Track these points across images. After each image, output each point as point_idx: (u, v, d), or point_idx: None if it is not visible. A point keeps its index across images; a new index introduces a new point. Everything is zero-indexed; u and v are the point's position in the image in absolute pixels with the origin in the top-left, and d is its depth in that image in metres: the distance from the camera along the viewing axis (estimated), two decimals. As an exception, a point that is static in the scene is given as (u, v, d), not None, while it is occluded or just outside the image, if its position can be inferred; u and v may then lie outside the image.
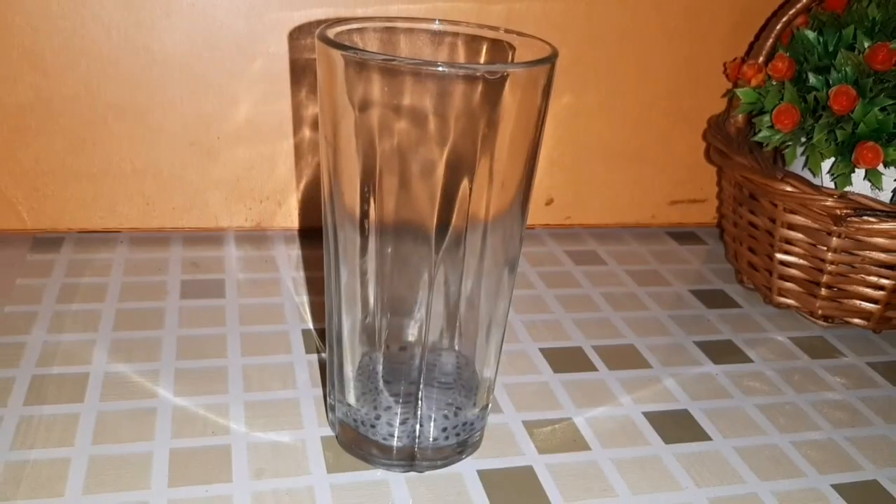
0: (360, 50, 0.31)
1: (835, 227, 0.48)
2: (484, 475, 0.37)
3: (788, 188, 0.48)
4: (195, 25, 0.51)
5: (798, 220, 0.49)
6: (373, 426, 0.36)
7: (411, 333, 0.35)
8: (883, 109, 0.45)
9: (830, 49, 0.49)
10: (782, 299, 0.53)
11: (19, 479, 0.34)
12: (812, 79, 0.48)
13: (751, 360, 0.48)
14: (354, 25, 0.35)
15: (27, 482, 0.34)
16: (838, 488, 0.38)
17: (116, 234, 0.55)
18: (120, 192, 0.54)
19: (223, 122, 0.54)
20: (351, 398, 0.36)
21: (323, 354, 0.44)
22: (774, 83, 0.50)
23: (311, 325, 0.47)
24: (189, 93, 0.52)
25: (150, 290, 0.49)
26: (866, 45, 0.47)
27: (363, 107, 0.31)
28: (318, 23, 0.52)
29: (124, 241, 0.55)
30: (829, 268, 0.49)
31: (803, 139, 0.48)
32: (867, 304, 0.50)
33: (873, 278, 0.49)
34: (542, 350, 0.47)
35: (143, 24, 0.50)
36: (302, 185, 0.56)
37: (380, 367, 0.36)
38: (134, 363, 0.42)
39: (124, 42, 0.50)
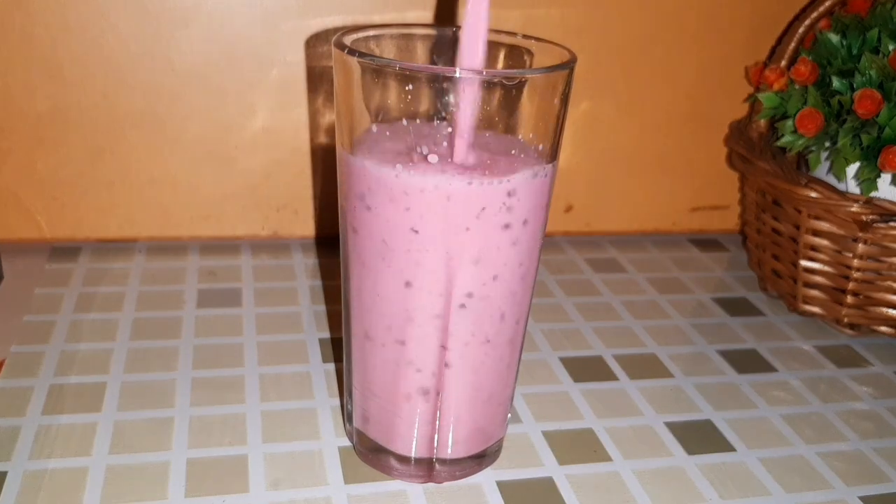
0: (376, 57, 0.31)
1: (861, 234, 0.47)
2: (503, 486, 0.36)
3: (813, 194, 0.47)
4: (212, 35, 0.51)
5: (823, 226, 0.48)
6: (391, 436, 0.35)
7: (429, 343, 0.34)
8: (909, 113, 0.45)
9: (854, 52, 0.48)
10: (807, 307, 0.52)
11: (37, 488, 0.34)
12: (836, 82, 0.47)
13: (775, 370, 0.47)
14: (371, 33, 0.35)
15: (45, 492, 0.34)
16: (866, 500, 0.37)
17: (134, 243, 0.55)
18: (137, 201, 0.54)
19: (240, 131, 0.54)
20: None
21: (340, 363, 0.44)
22: (797, 87, 0.50)
23: (328, 335, 0.47)
24: (206, 102, 0.52)
25: (167, 299, 0.49)
26: (891, 47, 0.46)
27: (380, 114, 0.31)
28: (335, 30, 0.52)
29: (141, 251, 0.55)
30: (856, 275, 0.48)
31: (827, 144, 0.48)
32: (894, 311, 0.49)
33: (900, 285, 0.48)
34: (561, 359, 0.46)
35: (160, 34, 0.50)
36: (319, 194, 0.56)
37: (397, 377, 0.36)
38: (151, 372, 0.42)
39: (142, 52, 0.50)
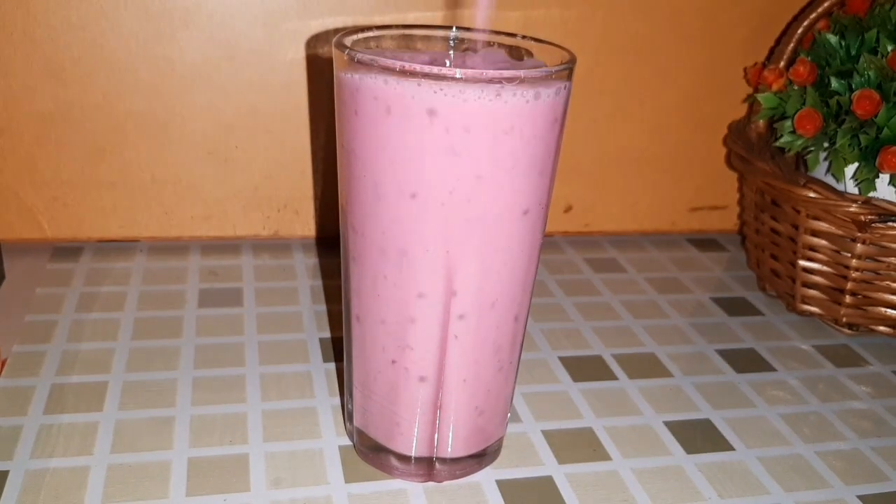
0: (376, 58, 0.31)
1: (859, 234, 0.47)
2: (503, 485, 0.36)
3: (811, 194, 0.47)
4: (214, 35, 0.51)
5: (821, 226, 0.49)
6: (391, 435, 0.36)
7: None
8: (907, 114, 0.45)
9: (853, 53, 0.49)
10: (806, 307, 0.52)
11: (39, 487, 0.34)
12: (834, 83, 0.48)
13: (774, 369, 0.47)
14: (371, 33, 0.35)
15: (47, 491, 0.34)
16: (864, 499, 0.37)
17: (135, 243, 0.56)
18: (139, 201, 0.54)
19: (241, 130, 0.54)
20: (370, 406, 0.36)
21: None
22: (796, 88, 0.50)
23: (328, 334, 0.47)
24: (207, 102, 0.53)
25: (168, 298, 0.49)
26: (889, 48, 0.46)
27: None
28: (335, 31, 0.52)
29: (143, 250, 0.55)
30: (854, 275, 0.48)
31: (826, 144, 0.48)
32: (892, 311, 0.49)
33: (899, 285, 0.48)
34: (561, 359, 0.46)
35: (162, 33, 0.50)
36: (319, 194, 0.56)
37: (398, 376, 0.36)
38: (152, 372, 0.42)
39: (143, 52, 0.51)
